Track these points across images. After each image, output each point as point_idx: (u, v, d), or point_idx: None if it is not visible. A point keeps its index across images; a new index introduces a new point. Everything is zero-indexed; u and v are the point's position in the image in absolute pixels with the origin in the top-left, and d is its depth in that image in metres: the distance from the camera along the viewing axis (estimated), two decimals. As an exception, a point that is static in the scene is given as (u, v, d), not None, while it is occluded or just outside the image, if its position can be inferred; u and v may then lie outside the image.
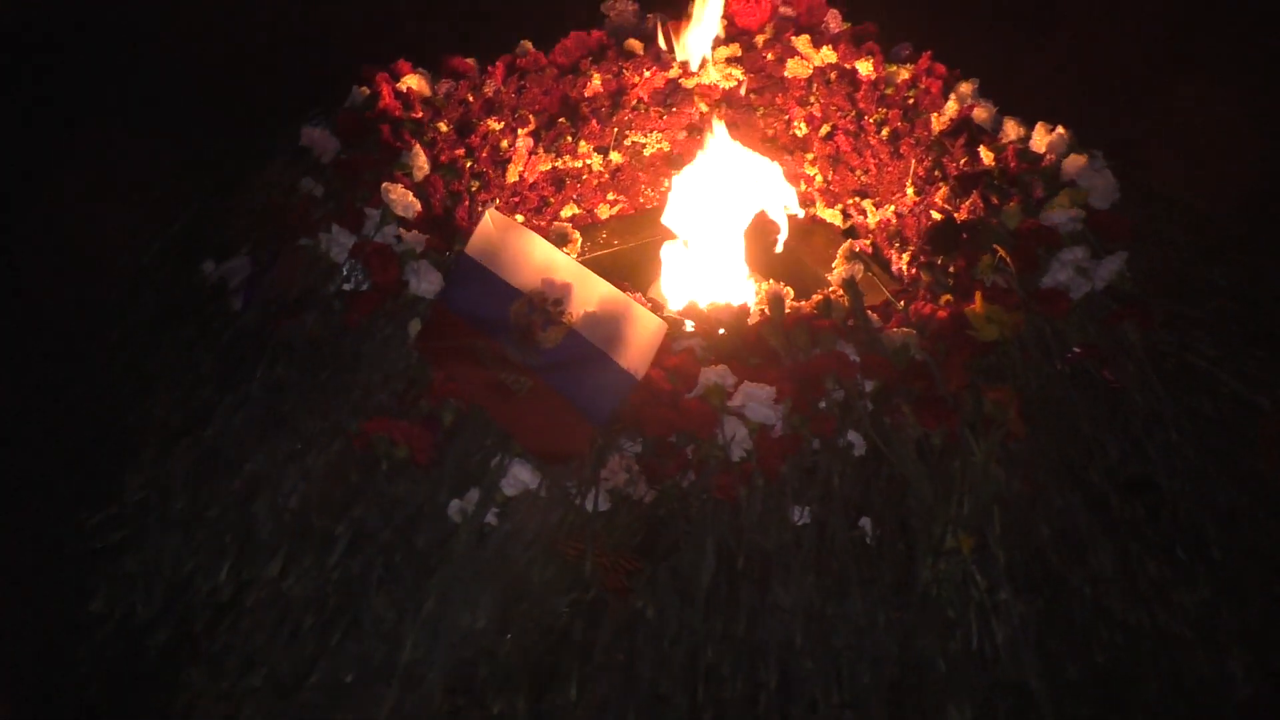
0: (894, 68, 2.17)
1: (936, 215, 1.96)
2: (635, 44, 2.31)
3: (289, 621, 1.41)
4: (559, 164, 2.30)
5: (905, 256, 1.90)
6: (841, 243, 2.40)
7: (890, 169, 2.18)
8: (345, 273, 1.69)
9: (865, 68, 2.19)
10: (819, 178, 2.38)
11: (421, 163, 1.80)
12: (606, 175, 2.40)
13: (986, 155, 1.89)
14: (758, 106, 2.40)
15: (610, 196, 2.44)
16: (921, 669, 1.42)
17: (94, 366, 1.96)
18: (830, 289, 1.64)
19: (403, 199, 1.66)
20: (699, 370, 1.42)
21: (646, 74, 2.29)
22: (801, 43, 2.27)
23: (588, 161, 2.33)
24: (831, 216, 2.45)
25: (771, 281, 1.55)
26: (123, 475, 1.75)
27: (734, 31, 2.37)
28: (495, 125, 2.20)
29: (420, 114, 2.01)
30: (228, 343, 1.81)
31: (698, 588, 1.36)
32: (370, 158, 1.82)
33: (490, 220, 1.52)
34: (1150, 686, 1.50)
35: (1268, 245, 1.82)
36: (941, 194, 1.96)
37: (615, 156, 2.35)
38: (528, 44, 2.29)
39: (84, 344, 1.99)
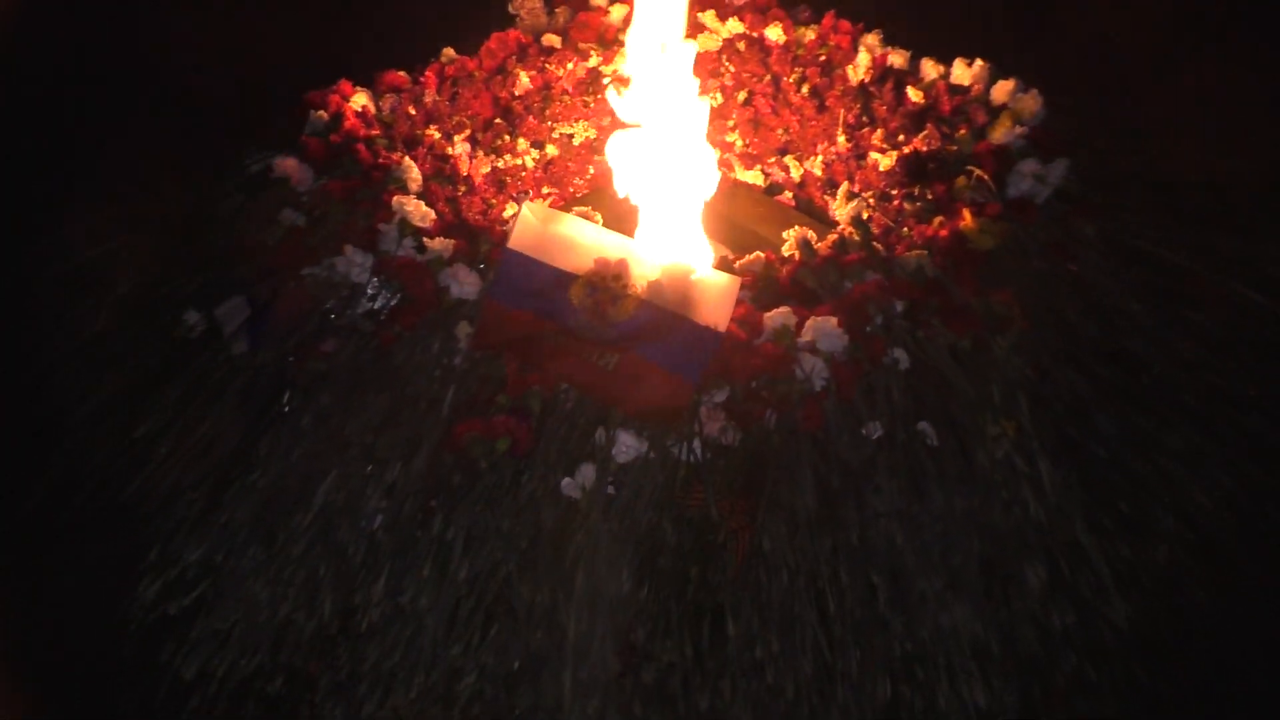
0: (802, 29, 2.34)
1: (877, 156, 2.14)
2: (553, 38, 2.38)
3: (424, 632, 1.43)
4: (499, 164, 2.34)
5: (840, 199, 2.04)
6: (761, 201, 2.58)
7: (815, 123, 2.34)
8: (371, 293, 1.69)
9: (775, 33, 2.35)
10: (739, 142, 2.53)
11: (415, 175, 1.81)
12: (540, 170, 2.45)
13: (915, 94, 2.08)
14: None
15: (545, 190, 2.50)
16: (996, 542, 1.59)
17: (86, 438, 1.87)
18: (840, 228, 1.77)
19: (418, 210, 1.68)
20: (763, 317, 1.53)
21: (569, 66, 2.36)
22: (708, 17, 2.40)
23: (526, 158, 2.38)
24: (752, 177, 2.59)
25: (796, 229, 1.67)
26: (163, 540, 1.70)
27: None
28: (435, 134, 2.22)
29: (377, 130, 2.01)
30: (245, 387, 1.77)
31: (803, 513, 1.48)
32: (354, 179, 1.82)
33: (530, 212, 1.57)
34: (1165, 521, 1.73)
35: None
36: (877, 136, 2.14)
37: (551, 150, 2.41)
38: (450, 51, 2.32)
39: (68, 416, 1.89)
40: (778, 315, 1.51)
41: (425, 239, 1.67)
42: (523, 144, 2.35)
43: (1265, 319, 1.87)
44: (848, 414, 1.54)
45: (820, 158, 2.38)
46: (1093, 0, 2.73)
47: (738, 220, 2.50)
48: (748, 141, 2.52)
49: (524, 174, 2.40)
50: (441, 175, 1.94)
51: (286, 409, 1.74)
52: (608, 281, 1.53)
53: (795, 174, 2.48)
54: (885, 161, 2.14)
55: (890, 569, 1.50)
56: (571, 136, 2.46)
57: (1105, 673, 1.56)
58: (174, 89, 2.32)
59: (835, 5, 2.42)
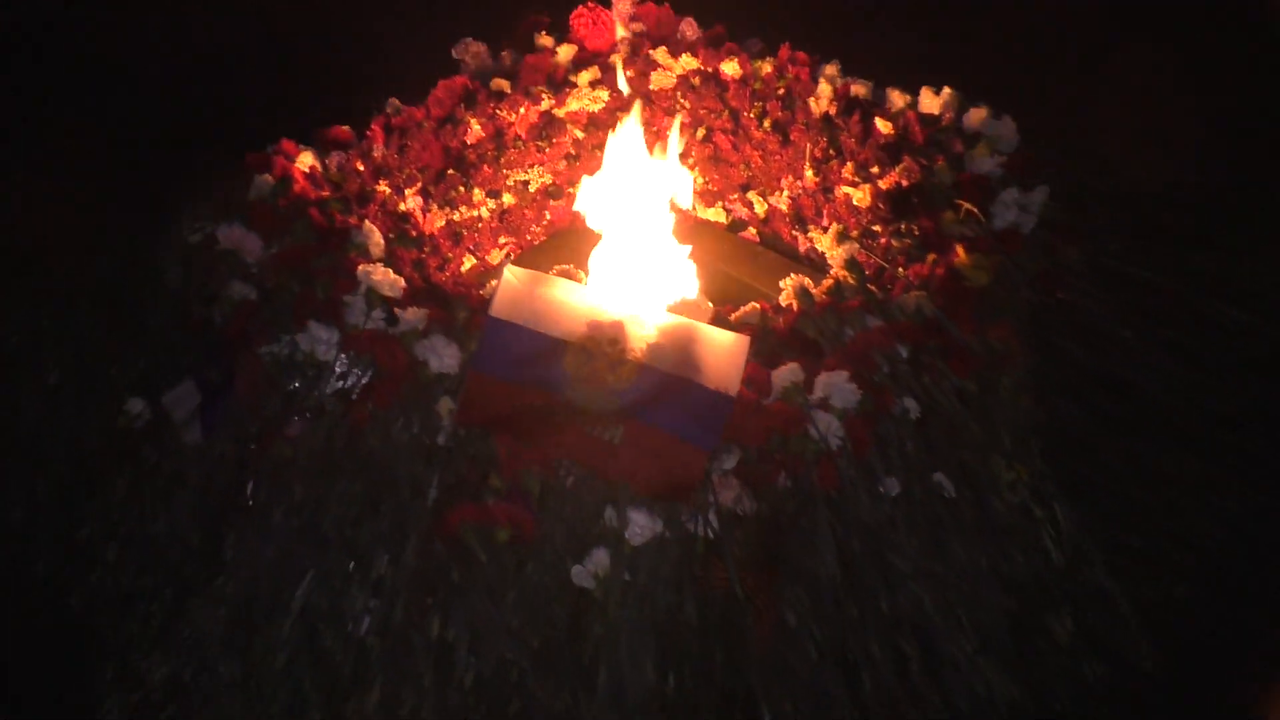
0: (758, 63, 2.28)
1: (849, 190, 2.08)
2: (502, 82, 2.28)
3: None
4: (454, 216, 2.23)
5: (830, 240, 1.99)
6: (725, 237, 2.52)
7: (779, 157, 2.28)
8: (338, 370, 1.56)
9: (730, 68, 2.29)
10: (699, 179, 2.45)
11: (377, 239, 1.69)
12: (495, 219, 2.35)
13: (884, 126, 2.03)
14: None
15: (501, 240, 2.40)
16: (1020, 594, 1.53)
17: (22, 543, 1.71)
18: (833, 273, 1.70)
19: (386, 278, 1.55)
20: (769, 374, 1.44)
21: (521, 111, 2.27)
22: (660, 54, 2.33)
23: (482, 209, 2.27)
24: (714, 215, 2.53)
25: (793, 276, 1.60)
26: (120, 655, 1.54)
27: (586, 55, 2.39)
28: (386, 189, 2.10)
29: (327, 191, 1.88)
30: (202, 480, 1.63)
31: (825, 581, 1.39)
32: (309, 246, 1.69)
33: (512, 276, 1.46)
34: (1179, 556, 1.69)
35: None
36: (847, 169, 2.09)
37: (507, 198, 2.31)
38: (395, 101, 2.20)
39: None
40: (786, 372, 1.43)
41: (396, 309, 1.55)
42: (478, 194, 2.24)
43: (1248, 335, 1.86)
44: (862, 470, 1.46)
45: (786, 192, 2.32)
46: (1024, 15, 2.76)
47: (703, 259, 2.42)
48: (708, 179, 2.45)
49: (480, 225, 2.29)
50: (405, 237, 1.82)
51: (251, 502, 1.59)
52: (604, 346, 1.43)
53: (759, 209, 2.42)
54: (858, 195, 2.08)
55: (919, 634, 1.42)
56: (527, 183, 2.36)
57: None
58: (99, 147, 2.16)
59: (785, 36, 2.37)
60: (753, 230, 2.49)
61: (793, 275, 1.60)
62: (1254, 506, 1.73)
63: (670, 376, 1.38)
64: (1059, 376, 1.73)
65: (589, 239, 2.37)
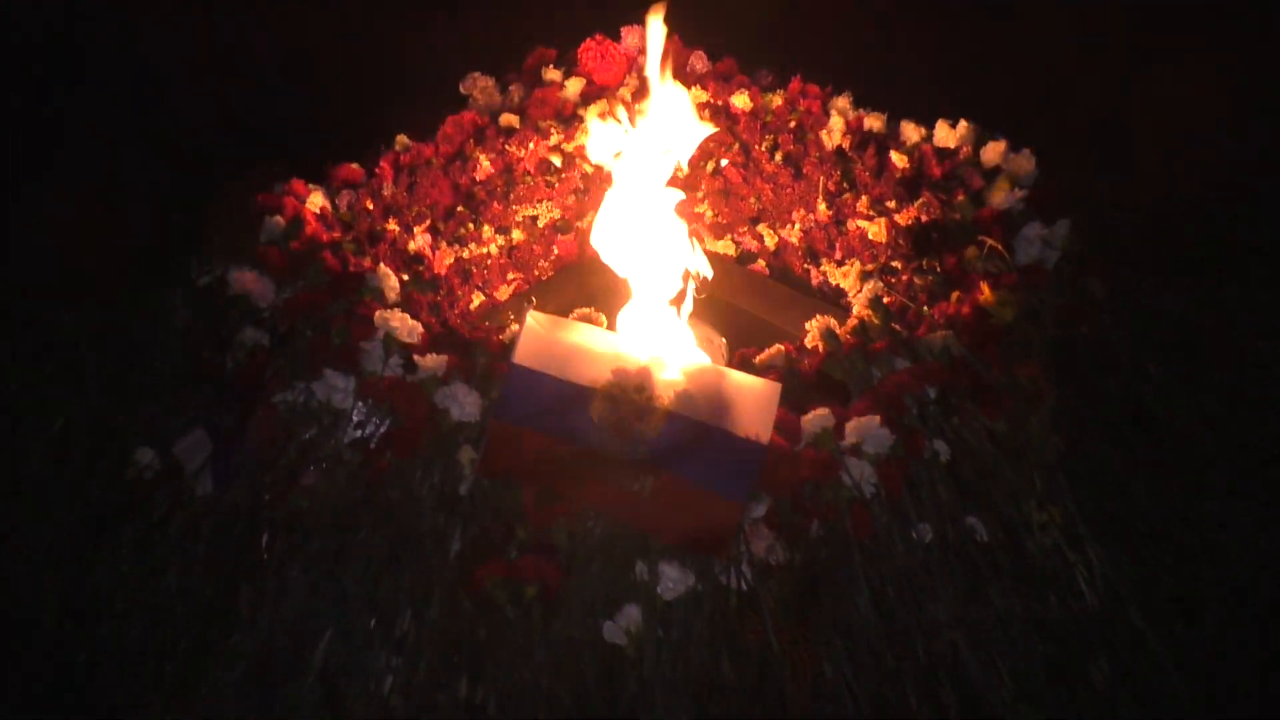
0: (769, 95, 2.26)
1: (864, 224, 2.06)
2: (511, 118, 2.25)
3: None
4: (463, 254, 2.20)
5: (852, 278, 1.96)
6: (736, 270, 2.49)
7: (790, 190, 2.26)
8: (356, 419, 1.53)
9: (741, 101, 2.27)
10: (709, 213, 2.43)
11: (392, 283, 1.66)
12: (504, 256, 2.32)
13: (900, 159, 2.01)
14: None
15: (509, 276, 2.37)
16: (1054, 637, 1.49)
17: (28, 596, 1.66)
18: (857, 312, 1.68)
19: (404, 323, 1.52)
20: (799, 420, 1.41)
21: (531, 146, 2.24)
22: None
23: (491, 246, 2.24)
24: (723, 247, 2.51)
25: (819, 318, 1.57)
26: (129, 714, 1.50)
27: (595, 90, 2.37)
28: (394, 227, 2.07)
29: (338, 233, 1.85)
30: (214, 532, 1.58)
31: (861, 632, 1.36)
32: (323, 291, 1.65)
33: (535, 323, 1.43)
34: (1212, 593, 1.66)
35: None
36: (862, 203, 2.07)
37: (516, 234, 2.28)
38: (404, 138, 2.18)
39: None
40: (816, 418, 1.40)
41: (415, 356, 1.51)
42: (488, 231, 2.21)
43: (1276, 368, 1.84)
44: (895, 517, 1.43)
45: (798, 225, 2.29)
46: (1036, 43, 2.75)
47: (713, 292, 2.40)
48: (717, 212, 2.43)
49: (489, 261, 2.27)
50: (419, 280, 1.78)
51: (266, 555, 1.55)
52: (630, 394, 1.39)
53: (770, 242, 2.39)
54: (873, 229, 2.06)
55: (957, 683, 1.38)
56: (535, 219, 2.34)
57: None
58: (104, 190, 2.12)
59: (793, 68, 2.35)
60: (762, 263, 2.46)
61: (818, 316, 1.57)
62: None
63: (700, 425, 1.35)
64: (1087, 414, 1.69)
65: (596, 273, 2.34)
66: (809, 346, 1.61)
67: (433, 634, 1.35)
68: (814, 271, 2.30)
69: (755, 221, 2.40)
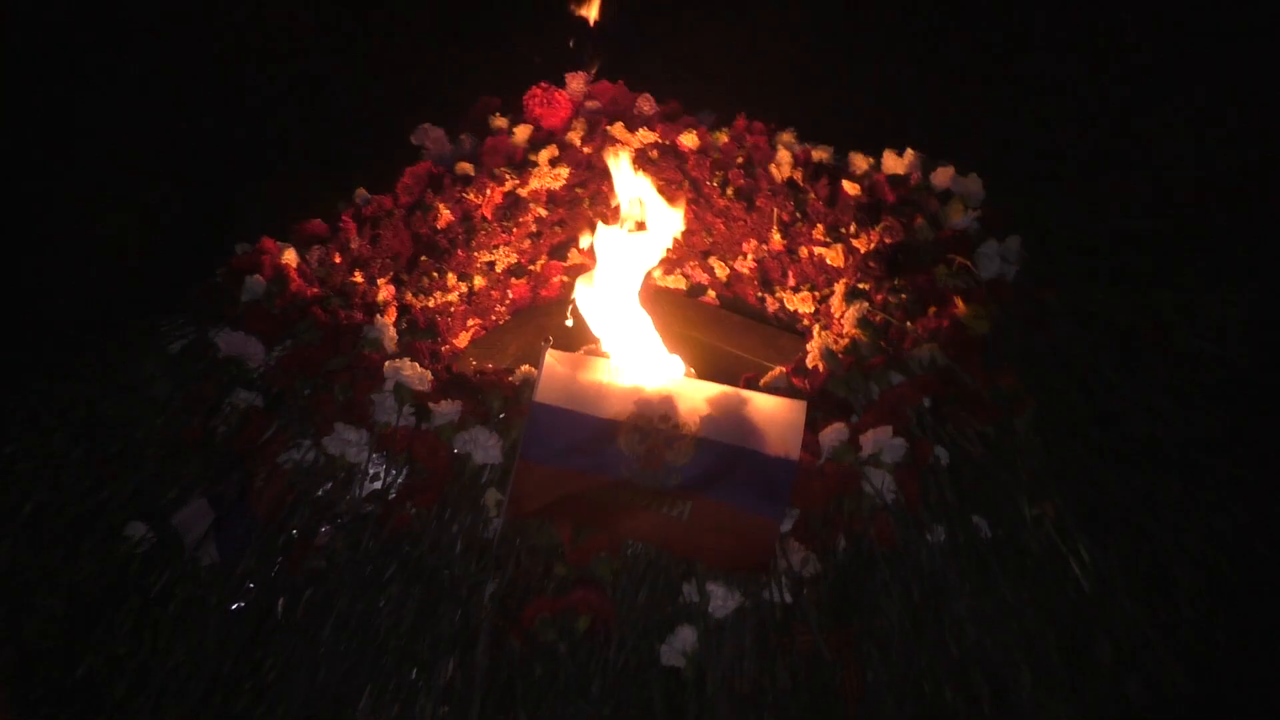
0: (715, 134, 2.34)
1: (821, 250, 2.15)
2: (466, 166, 2.27)
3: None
4: (428, 303, 2.20)
5: (837, 300, 2.05)
6: (686, 304, 2.56)
7: (742, 223, 2.34)
8: (372, 472, 1.51)
9: (689, 139, 2.34)
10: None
11: (391, 333, 1.65)
12: (464, 302, 2.33)
13: (851, 188, 2.12)
14: (583, 198, 2.46)
15: (470, 322, 2.38)
16: (1061, 624, 1.58)
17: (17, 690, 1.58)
18: (846, 332, 1.75)
19: (416, 372, 1.52)
20: (815, 438, 1.47)
21: (487, 192, 2.27)
22: (617, 130, 2.37)
23: (454, 294, 2.25)
24: (673, 282, 2.58)
25: (818, 337, 1.63)
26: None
27: (543, 135, 2.41)
28: (359, 280, 2.06)
29: (316, 289, 1.83)
30: (229, 601, 1.54)
31: (895, 634, 1.41)
32: (320, 347, 1.64)
33: (554, 361, 1.45)
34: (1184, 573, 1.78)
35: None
36: (817, 231, 2.16)
37: (478, 280, 2.30)
38: (364, 191, 2.17)
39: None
40: (834, 433, 1.46)
41: (430, 404, 1.51)
42: (452, 279, 2.22)
43: (1213, 364, 2.00)
44: (914, 522, 1.50)
45: (750, 256, 2.38)
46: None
47: (669, 325, 2.46)
48: (668, 249, 2.49)
49: (452, 309, 2.27)
50: (416, 328, 1.78)
51: (283, 620, 1.51)
52: (656, 424, 1.43)
53: (720, 274, 2.47)
54: (831, 255, 2.16)
55: (986, 675, 1.45)
56: (493, 264, 2.36)
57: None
58: (62, 258, 2.03)
59: (737, 107, 2.45)
60: (712, 294, 2.54)
61: (819, 334, 1.63)
62: (1244, 522, 1.84)
63: (731, 448, 1.39)
64: (1058, 417, 1.81)
65: (552, 315, 2.38)
66: (809, 367, 1.67)
67: (481, 679, 1.33)
68: (769, 299, 2.39)
69: (706, 255, 2.48)
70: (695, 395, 1.45)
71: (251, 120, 2.47)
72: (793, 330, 2.37)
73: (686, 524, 1.36)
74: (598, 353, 1.63)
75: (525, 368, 1.58)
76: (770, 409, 1.43)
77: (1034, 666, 1.51)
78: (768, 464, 1.38)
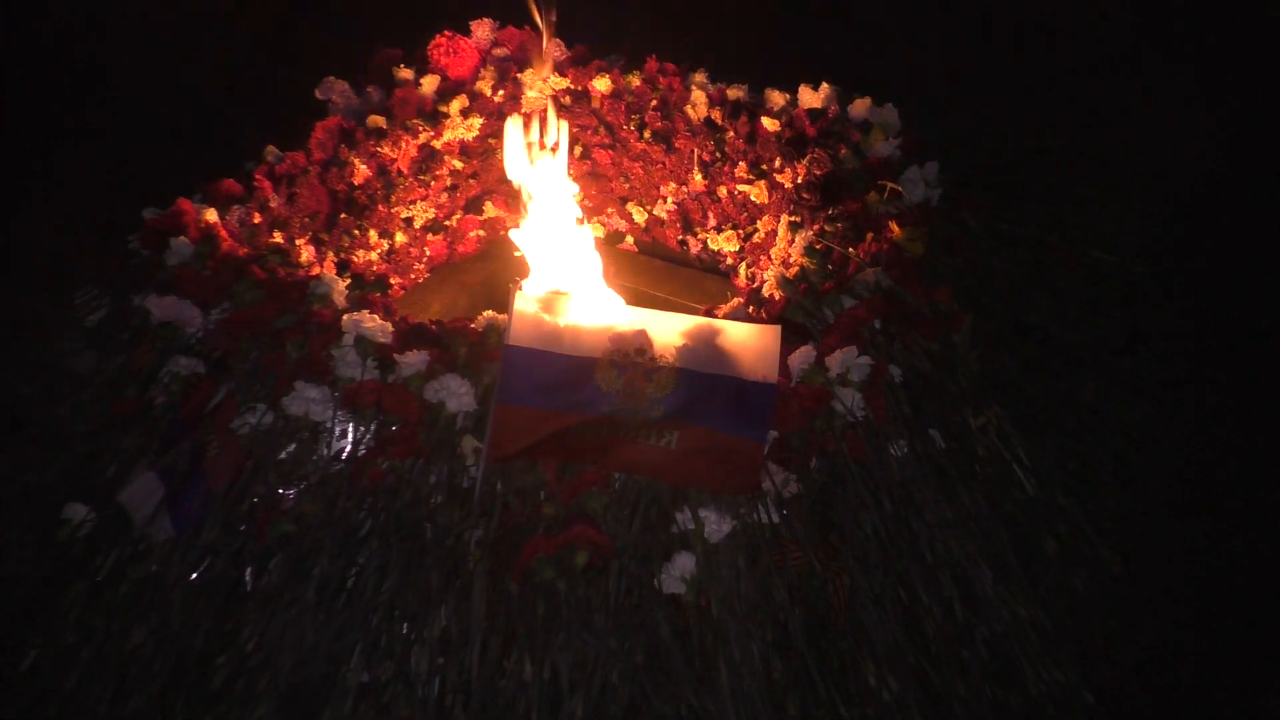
0: (628, 77, 2.34)
1: (745, 188, 2.19)
2: (378, 119, 2.20)
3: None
4: (353, 258, 2.13)
5: (782, 230, 2.08)
6: (606, 252, 2.56)
7: (661, 166, 2.35)
8: (336, 430, 1.47)
9: (602, 84, 2.33)
10: (578, 196, 2.48)
11: (340, 287, 1.59)
12: (385, 261, 2.27)
13: (771, 124, 2.15)
14: (496, 148, 2.41)
15: (391, 280, 2.31)
16: (1012, 524, 1.68)
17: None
18: (795, 260, 1.79)
19: (378, 324, 1.47)
20: (786, 362, 1.50)
21: (403, 146, 2.20)
22: (527, 76, 2.34)
23: (375, 252, 2.18)
24: (592, 230, 2.56)
25: (773, 269, 1.66)
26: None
27: (450, 85, 2.35)
28: (280, 240, 1.98)
29: (246, 249, 1.75)
30: (185, 570, 1.47)
31: (873, 543, 1.47)
32: (267, 306, 1.57)
33: (522, 302, 1.44)
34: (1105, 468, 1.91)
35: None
36: (740, 169, 2.19)
37: (400, 237, 2.23)
38: (274, 148, 2.07)
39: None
40: (803, 356, 1.49)
41: (394, 356, 1.47)
42: (374, 236, 2.15)
43: (1114, 273, 2.14)
44: (881, 436, 1.55)
45: (670, 200, 2.39)
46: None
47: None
48: (584, 195, 2.48)
49: (373, 268, 2.20)
50: (363, 281, 1.72)
51: (253, 588, 1.46)
52: (633, 358, 1.43)
53: (639, 219, 2.47)
54: (755, 191, 2.19)
55: (954, 577, 1.53)
56: (411, 219, 2.30)
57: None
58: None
59: (646, 50, 2.44)
60: (630, 239, 2.54)
61: (772, 268, 1.66)
62: (1153, 417, 1.99)
63: (710, 376, 1.41)
64: (986, 330, 1.90)
65: (471, 271, 2.34)
66: (765, 296, 1.70)
67: (478, 625, 1.32)
68: (690, 241, 2.41)
69: (624, 201, 2.47)
70: (670, 327, 1.46)
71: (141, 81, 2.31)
72: (716, 271, 2.40)
73: (675, 452, 1.37)
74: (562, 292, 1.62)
75: (489, 313, 1.56)
76: (745, 335, 1.45)
77: (992, 565, 1.60)
78: (748, 389, 1.41)
